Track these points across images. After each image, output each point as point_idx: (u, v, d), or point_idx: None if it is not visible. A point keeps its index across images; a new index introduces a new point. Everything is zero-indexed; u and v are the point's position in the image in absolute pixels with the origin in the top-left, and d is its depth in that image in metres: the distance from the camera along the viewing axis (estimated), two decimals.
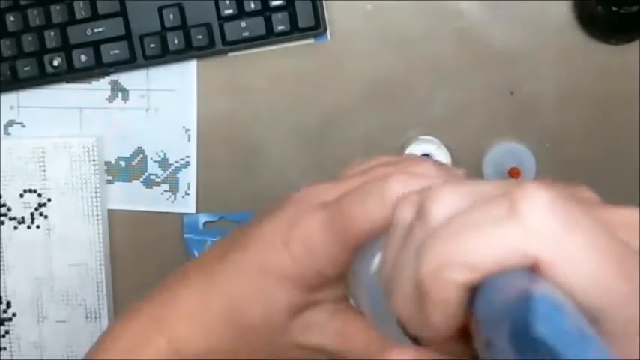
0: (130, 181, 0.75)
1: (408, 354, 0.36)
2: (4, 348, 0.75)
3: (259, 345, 0.40)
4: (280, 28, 0.70)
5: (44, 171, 0.74)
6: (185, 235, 0.74)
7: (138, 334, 0.42)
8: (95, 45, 0.71)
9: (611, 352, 0.24)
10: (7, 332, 0.75)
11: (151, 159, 0.74)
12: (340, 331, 0.39)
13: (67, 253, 0.74)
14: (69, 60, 0.71)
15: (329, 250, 0.36)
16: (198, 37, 0.70)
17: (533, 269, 0.26)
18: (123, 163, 0.75)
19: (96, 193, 0.74)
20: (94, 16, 0.70)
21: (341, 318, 0.39)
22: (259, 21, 0.70)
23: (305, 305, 0.39)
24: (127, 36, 0.71)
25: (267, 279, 0.39)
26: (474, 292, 0.27)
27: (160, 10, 0.70)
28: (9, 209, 0.74)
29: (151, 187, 0.75)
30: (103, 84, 0.74)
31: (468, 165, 0.73)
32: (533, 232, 0.26)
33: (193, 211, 0.74)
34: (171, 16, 0.70)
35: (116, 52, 0.71)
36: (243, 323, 0.40)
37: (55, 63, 0.71)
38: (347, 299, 0.40)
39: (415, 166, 0.37)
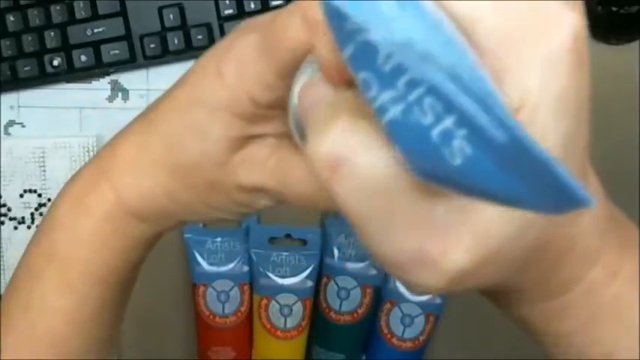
0: None
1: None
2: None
3: (201, 186, 0.37)
4: None
5: (44, 171, 0.74)
6: (185, 235, 0.74)
7: (85, 183, 0.41)
8: (95, 45, 0.71)
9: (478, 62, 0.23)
10: None
11: None
12: (278, 166, 0.36)
13: None
14: (69, 60, 0.71)
15: (259, 71, 0.34)
16: (198, 37, 0.70)
17: None
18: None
19: None
20: (94, 16, 0.71)
21: (280, 153, 0.36)
22: None
23: (244, 139, 0.36)
24: (127, 36, 0.71)
25: (201, 110, 0.36)
26: None
27: (160, 10, 0.70)
28: (9, 209, 0.74)
29: None
30: (103, 84, 0.74)
31: None
32: None
33: None
34: (171, 16, 0.70)
35: (116, 52, 0.71)
36: (182, 162, 0.37)
37: (55, 63, 0.71)
38: (291, 135, 0.34)
39: None
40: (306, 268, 0.74)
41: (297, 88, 0.32)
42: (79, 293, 0.41)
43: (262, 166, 0.36)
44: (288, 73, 0.33)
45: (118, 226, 0.40)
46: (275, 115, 0.36)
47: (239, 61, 0.35)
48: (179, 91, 0.38)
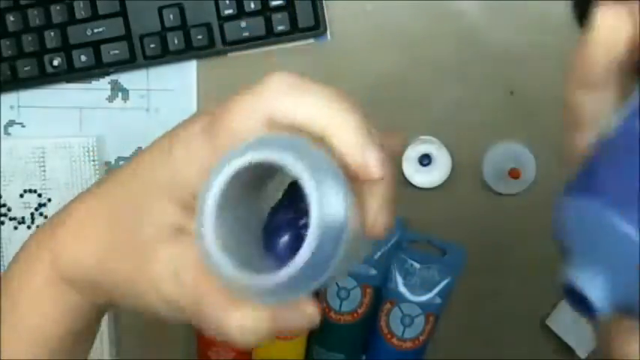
0: None
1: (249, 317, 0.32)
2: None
3: (130, 268, 0.35)
4: (280, 28, 0.70)
5: (44, 171, 0.74)
6: None
7: (38, 240, 0.39)
8: (95, 45, 0.71)
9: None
10: None
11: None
12: (196, 283, 0.33)
13: None
14: (69, 60, 0.71)
15: (203, 154, 0.33)
16: (198, 37, 0.70)
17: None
18: (123, 163, 0.75)
19: None
20: (94, 16, 0.71)
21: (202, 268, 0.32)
22: (259, 21, 0.70)
23: (175, 232, 0.34)
24: (127, 36, 0.71)
25: (144, 187, 0.35)
26: None
27: (160, 10, 0.70)
28: (9, 209, 0.74)
29: None
30: (103, 84, 0.74)
31: (468, 165, 0.73)
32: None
33: None
34: (171, 16, 0.70)
35: (116, 52, 0.71)
36: (116, 237, 0.36)
37: (55, 63, 0.71)
38: None
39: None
40: None
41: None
42: (28, 353, 0.40)
43: (179, 277, 0.33)
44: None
45: (55, 293, 0.38)
46: None
47: (188, 143, 0.35)
48: (134, 163, 0.37)
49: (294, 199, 0.33)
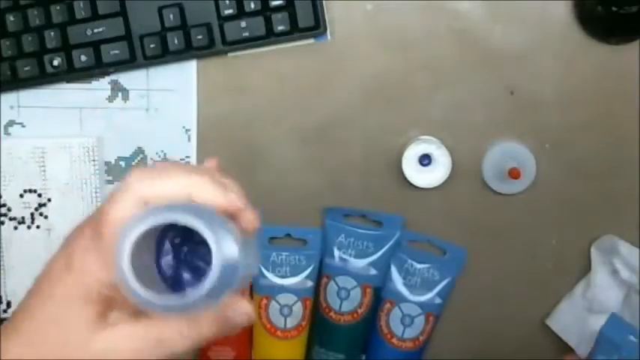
0: None
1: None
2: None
3: None
4: (280, 28, 0.70)
5: (44, 171, 0.74)
6: None
7: None
8: (95, 45, 0.71)
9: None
10: None
11: (151, 159, 0.74)
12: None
13: None
14: (69, 60, 0.71)
15: (96, 256, 0.41)
16: (198, 37, 0.70)
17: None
18: (123, 163, 0.75)
19: (96, 193, 0.74)
20: (94, 16, 0.70)
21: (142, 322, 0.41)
22: (259, 21, 0.70)
23: (102, 318, 0.41)
24: (127, 36, 0.71)
25: (57, 302, 0.41)
26: None
27: (160, 10, 0.70)
28: (9, 209, 0.74)
29: None
30: (103, 84, 0.74)
31: (468, 165, 0.73)
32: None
33: None
34: (171, 16, 0.70)
35: (116, 52, 0.71)
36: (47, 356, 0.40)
37: (55, 63, 0.71)
38: None
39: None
40: (306, 268, 0.74)
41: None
42: None
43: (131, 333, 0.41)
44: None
45: None
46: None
47: (81, 251, 0.42)
48: (36, 290, 0.43)
49: (183, 245, 0.43)
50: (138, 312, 0.41)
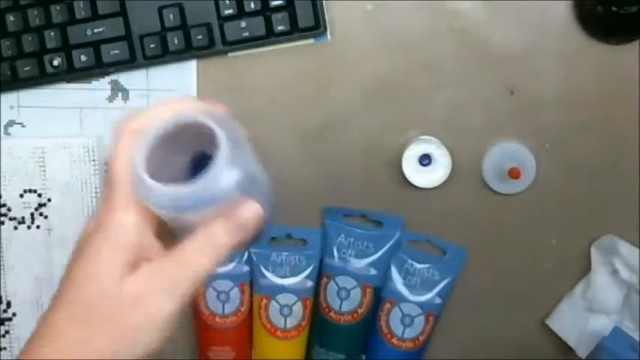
0: None
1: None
2: (4, 348, 0.75)
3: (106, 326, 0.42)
4: (280, 28, 0.70)
5: (44, 171, 0.74)
6: None
7: None
8: (95, 45, 0.71)
9: None
10: (7, 332, 0.75)
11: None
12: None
13: (67, 253, 0.74)
14: (69, 60, 0.71)
15: (116, 203, 0.43)
16: (198, 37, 0.70)
17: None
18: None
19: (96, 193, 0.74)
20: (94, 16, 0.70)
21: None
22: (259, 21, 0.70)
23: (132, 264, 0.42)
24: (127, 36, 0.71)
25: (87, 261, 0.43)
26: None
27: (160, 10, 0.70)
28: (9, 209, 0.74)
29: None
30: (103, 84, 0.74)
31: (468, 165, 0.73)
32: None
33: None
34: (171, 16, 0.70)
35: (116, 52, 0.71)
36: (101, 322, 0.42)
37: (55, 63, 0.71)
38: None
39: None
40: (306, 268, 0.74)
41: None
42: None
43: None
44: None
45: None
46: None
47: (104, 208, 0.44)
48: (74, 253, 0.45)
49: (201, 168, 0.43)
50: (164, 254, 0.43)
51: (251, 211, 0.42)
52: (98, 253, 0.42)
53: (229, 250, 0.43)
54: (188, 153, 0.45)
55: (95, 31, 0.71)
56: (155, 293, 0.42)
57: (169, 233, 0.44)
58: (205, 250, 0.42)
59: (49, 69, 0.71)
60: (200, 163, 0.44)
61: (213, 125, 0.40)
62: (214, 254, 0.42)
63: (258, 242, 0.50)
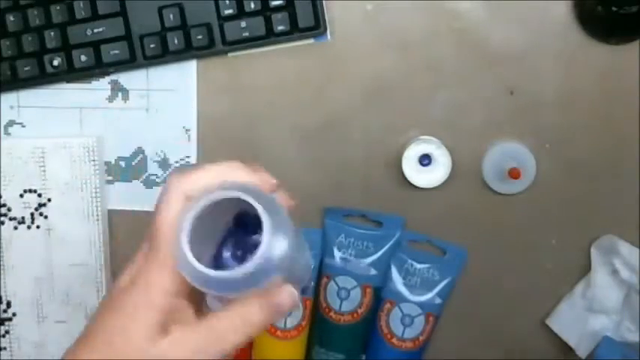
0: (130, 181, 0.75)
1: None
2: (4, 348, 0.75)
3: None
4: (280, 28, 0.70)
5: (44, 171, 0.74)
6: None
7: None
8: (95, 45, 0.71)
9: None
10: (7, 332, 0.75)
11: (151, 159, 0.74)
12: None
13: (67, 253, 0.74)
14: (69, 60, 0.71)
15: (157, 263, 0.44)
16: (198, 37, 0.70)
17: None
18: (123, 163, 0.75)
19: (96, 193, 0.74)
20: (94, 16, 0.70)
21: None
22: (259, 21, 0.70)
23: (164, 325, 0.43)
24: (127, 36, 0.71)
25: (121, 315, 0.44)
26: None
27: (160, 10, 0.70)
28: (9, 209, 0.74)
29: (151, 187, 0.75)
30: (103, 84, 0.74)
31: (468, 165, 0.73)
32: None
33: None
34: (171, 16, 0.70)
35: (116, 52, 0.71)
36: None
37: (55, 63, 0.71)
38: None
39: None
40: None
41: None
42: None
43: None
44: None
45: None
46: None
47: (143, 263, 0.44)
48: (107, 302, 0.45)
49: (242, 227, 0.46)
50: (196, 321, 0.44)
51: (288, 297, 0.44)
52: (134, 310, 0.43)
53: (261, 330, 0.44)
54: (232, 212, 0.46)
55: (95, 31, 0.71)
56: (179, 357, 0.43)
57: (202, 296, 0.46)
58: (238, 328, 0.43)
59: (49, 69, 0.71)
60: (242, 220, 0.45)
61: (260, 211, 0.40)
62: (246, 333, 0.43)
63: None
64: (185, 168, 0.45)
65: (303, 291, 0.48)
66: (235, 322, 0.43)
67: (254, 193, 0.41)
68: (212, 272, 0.40)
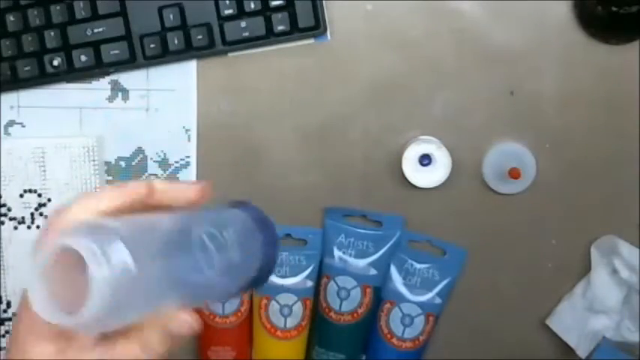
0: None
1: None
2: (4, 348, 0.75)
3: None
4: (280, 28, 0.70)
5: (44, 171, 0.74)
6: None
7: None
8: (95, 45, 0.71)
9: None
10: (7, 332, 0.75)
11: (151, 159, 0.74)
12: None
13: None
14: (69, 60, 0.71)
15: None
16: (198, 37, 0.70)
17: None
18: (123, 163, 0.75)
19: None
20: (94, 16, 0.70)
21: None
22: (259, 21, 0.70)
23: (62, 352, 0.42)
24: (127, 36, 0.71)
25: (21, 343, 0.43)
26: None
27: (160, 10, 0.70)
28: (9, 209, 0.74)
29: None
30: (103, 84, 0.74)
31: (468, 165, 0.73)
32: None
33: None
34: (171, 16, 0.70)
35: (116, 52, 0.71)
36: None
37: (55, 63, 0.71)
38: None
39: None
40: (306, 268, 0.74)
41: None
42: None
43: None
44: None
45: None
46: None
47: (25, 297, 0.43)
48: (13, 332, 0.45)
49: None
50: (94, 348, 0.43)
51: (183, 324, 0.43)
52: (29, 340, 0.43)
53: (160, 356, 0.43)
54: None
55: (95, 31, 0.71)
56: None
57: None
58: (139, 356, 0.43)
59: (49, 69, 0.71)
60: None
61: (86, 258, 0.37)
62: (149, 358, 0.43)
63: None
64: (65, 205, 0.44)
65: (256, 282, 0.47)
66: (135, 351, 0.42)
67: (99, 229, 0.39)
68: (51, 318, 0.38)
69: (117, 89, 0.74)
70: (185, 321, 0.43)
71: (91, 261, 0.37)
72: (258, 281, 0.48)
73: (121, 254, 0.37)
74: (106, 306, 0.37)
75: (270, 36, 0.71)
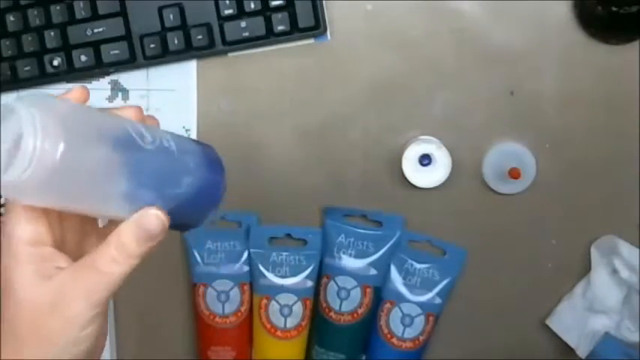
0: None
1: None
2: None
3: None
4: (280, 28, 0.70)
5: None
6: (185, 235, 0.74)
7: None
8: (95, 45, 0.71)
9: None
10: None
11: None
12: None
13: None
14: (69, 60, 0.71)
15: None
16: (198, 37, 0.70)
17: None
18: None
19: None
20: (94, 16, 0.70)
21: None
22: (259, 21, 0.70)
23: (41, 272, 0.43)
24: (127, 36, 0.71)
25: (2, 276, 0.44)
26: None
27: (160, 10, 0.70)
28: None
29: None
30: (103, 84, 0.74)
31: (468, 165, 0.73)
32: None
33: None
34: (171, 16, 0.70)
35: (116, 52, 0.71)
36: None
37: (55, 63, 0.71)
38: None
39: None
40: (306, 268, 0.74)
41: None
42: None
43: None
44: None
45: None
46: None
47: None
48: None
49: None
50: (75, 264, 0.44)
51: (154, 220, 0.44)
52: (8, 267, 0.43)
53: (141, 257, 0.44)
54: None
55: (95, 31, 0.71)
56: (70, 300, 0.43)
57: (76, 246, 0.47)
58: (118, 259, 0.43)
59: (49, 69, 0.71)
60: None
61: (24, 119, 0.39)
62: (127, 263, 0.43)
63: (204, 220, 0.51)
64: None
65: (193, 204, 0.47)
66: (114, 254, 0.43)
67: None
68: None
69: (117, 89, 0.74)
70: (155, 215, 0.43)
71: (27, 125, 0.38)
72: (196, 204, 0.48)
73: (57, 128, 0.39)
74: (37, 173, 0.38)
75: (270, 36, 0.71)
